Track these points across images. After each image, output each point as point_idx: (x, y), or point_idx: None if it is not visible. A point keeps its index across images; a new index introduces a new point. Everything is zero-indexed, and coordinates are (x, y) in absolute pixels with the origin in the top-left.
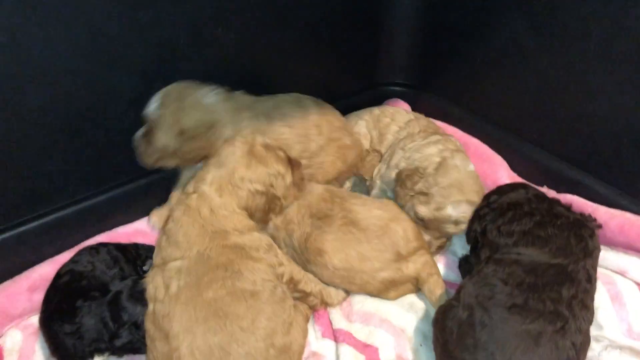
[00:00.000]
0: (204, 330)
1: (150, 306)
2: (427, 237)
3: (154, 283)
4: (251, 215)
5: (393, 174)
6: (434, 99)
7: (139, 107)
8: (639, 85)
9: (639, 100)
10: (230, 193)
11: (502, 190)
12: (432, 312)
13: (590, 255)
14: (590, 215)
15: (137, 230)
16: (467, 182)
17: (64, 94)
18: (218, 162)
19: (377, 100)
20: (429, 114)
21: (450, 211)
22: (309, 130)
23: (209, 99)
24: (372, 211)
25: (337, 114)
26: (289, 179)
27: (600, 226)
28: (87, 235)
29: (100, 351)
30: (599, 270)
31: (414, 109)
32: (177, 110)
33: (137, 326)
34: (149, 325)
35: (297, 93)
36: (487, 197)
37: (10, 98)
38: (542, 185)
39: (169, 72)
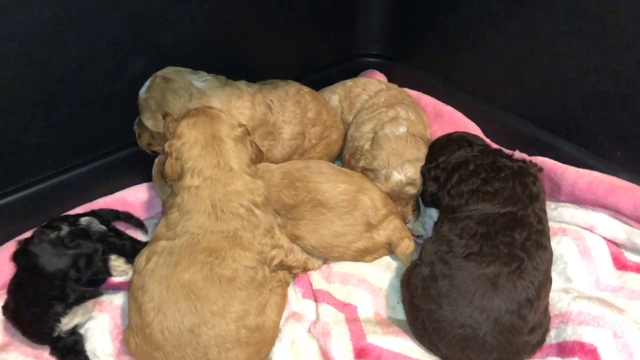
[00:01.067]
0: (174, 312)
1: (132, 277)
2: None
3: (140, 257)
4: (254, 163)
5: (348, 146)
6: (410, 68)
7: (116, 79)
8: (605, 48)
9: (604, 63)
10: (235, 154)
11: (446, 145)
12: None
13: (537, 199)
14: (531, 162)
15: (117, 200)
16: (400, 145)
17: (41, 66)
18: (194, 146)
19: (353, 72)
20: (404, 84)
21: (397, 176)
22: (306, 128)
23: (198, 84)
24: (338, 186)
25: (330, 108)
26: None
27: (541, 169)
28: (68, 206)
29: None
30: (569, 227)
31: (390, 80)
32: (162, 94)
33: None
34: (128, 295)
35: (292, 80)
36: (434, 157)
37: None
38: (514, 149)
39: (144, 44)
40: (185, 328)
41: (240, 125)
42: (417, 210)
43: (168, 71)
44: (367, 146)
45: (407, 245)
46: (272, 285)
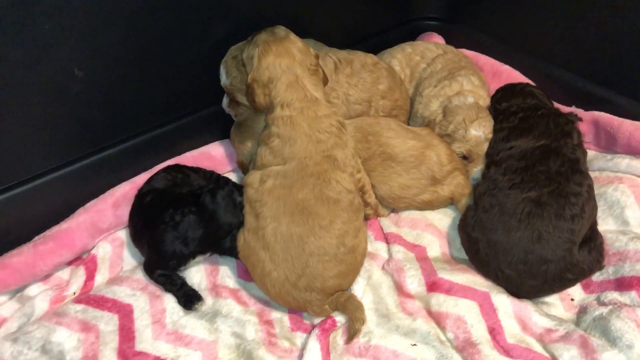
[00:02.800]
0: (288, 221)
1: (246, 190)
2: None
3: (251, 177)
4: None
5: (418, 122)
6: (467, 30)
7: (201, 43)
8: None
9: None
10: (315, 86)
11: (511, 93)
12: None
13: (569, 135)
14: (571, 113)
15: (202, 154)
16: (473, 110)
17: (136, 31)
18: (280, 81)
19: (411, 35)
20: (462, 45)
21: (475, 132)
22: (374, 97)
23: None
24: (407, 142)
25: (405, 90)
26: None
27: (580, 119)
28: (159, 159)
29: (203, 252)
30: (625, 175)
31: (448, 42)
32: (239, 73)
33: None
34: (245, 203)
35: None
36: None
37: (92, 37)
38: (570, 105)
39: (225, 10)
40: (296, 234)
41: (311, 53)
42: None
43: (232, 52)
44: (439, 118)
45: (468, 202)
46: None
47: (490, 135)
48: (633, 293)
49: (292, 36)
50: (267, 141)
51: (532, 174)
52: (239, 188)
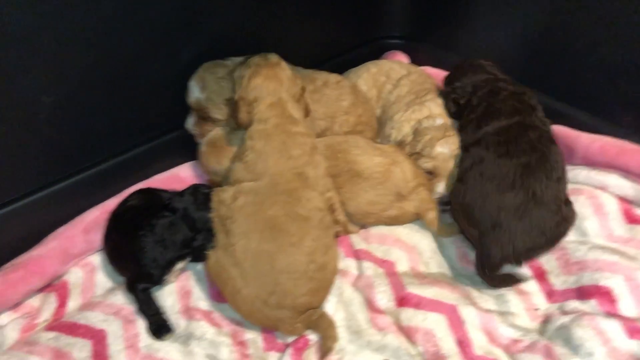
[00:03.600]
0: (258, 238)
1: (217, 207)
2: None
3: (224, 194)
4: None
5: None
6: (430, 48)
7: (170, 66)
8: (613, 21)
9: (613, 35)
10: (297, 110)
11: (464, 70)
12: None
13: (535, 108)
14: (526, 88)
15: (171, 176)
16: (441, 130)
17: (105, 56)
18: (259, 92)
19: (377, 53)
20: (425, 62)
21: (441, 148)
22: (337, 113)
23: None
24: (373, 159)
25: (370, 108)
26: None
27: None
28: (129, 183)
29: (184, 256)
30: (583, 187)
31: (412, 59)
32: (218, 88)
33: (211, 232)
34: (215, 220)
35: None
36: (452, 80)
37: (59, 62)
38: None
39: (194, 33)
40: (265, 252)
41: (298, 84)
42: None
43: (207, 67)
44: (410, 139)
45: (432, 216)
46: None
47: (456, 152)
48: (593, 301)
49: (283, 64)
50: (241, 156)
51: (516, 144)
52: (203, 185)
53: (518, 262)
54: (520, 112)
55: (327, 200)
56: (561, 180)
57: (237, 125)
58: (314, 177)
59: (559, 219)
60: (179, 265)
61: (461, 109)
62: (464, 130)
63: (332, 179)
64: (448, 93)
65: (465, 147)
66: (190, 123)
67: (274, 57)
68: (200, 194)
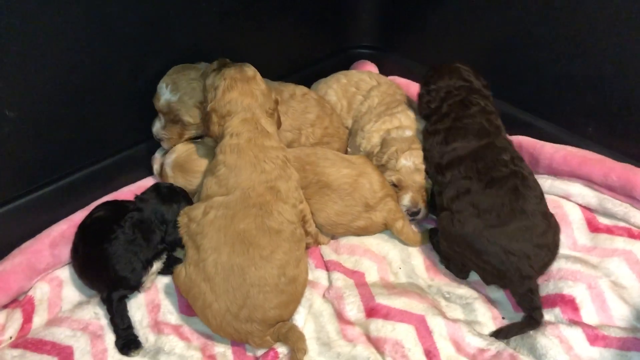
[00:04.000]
0: (229, 252)
1: (185, 222)
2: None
3: (195, 211)
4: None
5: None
6: (399, 58)
7: (136, 78)
8: (574, 35)
9: (573, 49)
10: (270, 125)
11: (441, 73)
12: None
13: (501, 128)
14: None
15: (139, 188)
16: (407, 142)
17: (70, 69)
18: (233, 106)
19: (346, 63)
20: (394, 72)
21: (405, 162)
22: (303, 125)
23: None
24: (341, 171)
25: (336, 119)
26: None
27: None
28: (96, 195)
29: (158, 255)
30: (548, 196)
31: (380, 69)
32: (190, 86)
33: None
34: (184, 236)
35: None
36: (429, 82)
37: (23, 76)
38: None
39: (160, 45)
40: (236, 265)
41: (272, 98)
42: (428, 207)
43: (178, 69)
44: (377, 150)
45: (400, 225)
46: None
47: (421, 166)
48: (557, 310)
49: (258, 77)
50: (214, 170)
51: (496, 169)
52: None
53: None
54: (489, 134)
55: (299, 213)
56: (542, 195)
57: (207, 135)
58: (286, 190)
59: (553, 231)
60: (156, 265)
61: (431, 112)
62: (429, 137)
63: (301, 190)
64: (422, 95)
65: (437, 166)
66: (158, 127)
67: (249, 70)
68: (162, 189)
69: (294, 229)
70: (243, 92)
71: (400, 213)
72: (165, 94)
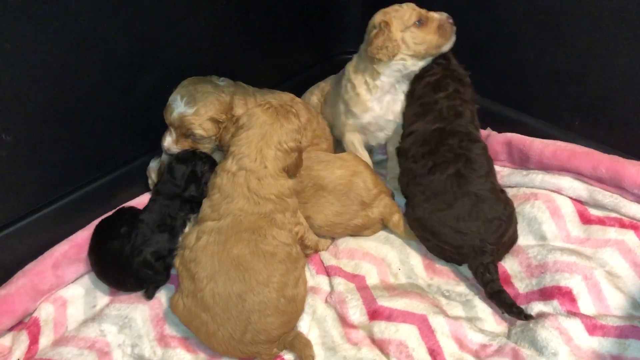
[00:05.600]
0: (225, 280)
1: (181, 252)
2: None
3: (189, 237)
4: (287, 173)
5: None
6: None
7: (128, 96)
8: (557, 32)
9: (557, 46)
10: (273, 159)
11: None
12: (405, 241)
13: (460, 115)
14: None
15: (139, 204)
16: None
17: (64, 89)
18: (248, 133)
19: (334, 70)
20: None
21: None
22: None
23: (221, 83)
24: (335, 172)
25: (322, 121)
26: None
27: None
28: (96, 214)
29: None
30: (540, 191)
31: None
32: (208, 102)
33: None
34: (179, 266)
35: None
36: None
37: (18, 100)
38: (485, 128)
39: (151, 63)
40: (234, 293)
41: (296, 139)
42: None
43: (193, 81)
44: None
45: (397, 219)
46: (303, 262)
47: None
48: (555, 302)
49: (293, 117)
50: (210, 192)
51: (440, 154)
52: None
53: (495, 251)
54: (445, 119)
55: (295, 235)
56: (490, 173)
57: (219, 140)
58: (282, 219)
59: (504, 203)
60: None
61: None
62: (403, 121)
63: (297, 195)
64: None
65: (397, 150)
66: (170, 141)
67: (292, 111)
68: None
69: (289, 250)
70: (271, 120)
71: (395, 207)
72: (179, 107)
